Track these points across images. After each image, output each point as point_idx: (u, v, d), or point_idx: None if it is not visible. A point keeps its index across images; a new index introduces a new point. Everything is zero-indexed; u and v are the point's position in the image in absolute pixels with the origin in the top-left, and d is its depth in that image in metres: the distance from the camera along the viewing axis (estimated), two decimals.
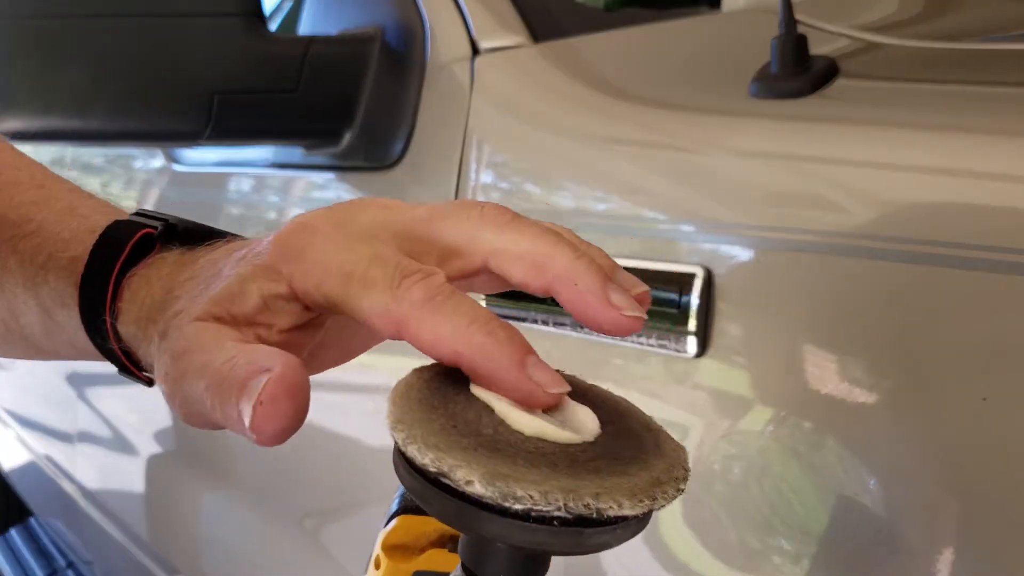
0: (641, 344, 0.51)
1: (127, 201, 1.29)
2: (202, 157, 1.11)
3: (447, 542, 0.44)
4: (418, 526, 0.44)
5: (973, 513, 0.37)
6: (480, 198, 0.67)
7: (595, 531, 0.24)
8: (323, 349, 0.34)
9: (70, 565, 1.64)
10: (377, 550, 0.44)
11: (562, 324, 0.56)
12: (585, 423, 0.27)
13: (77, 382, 1.47)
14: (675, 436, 0.29)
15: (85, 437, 1.46)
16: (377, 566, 0.44)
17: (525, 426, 0.26)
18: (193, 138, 0.76)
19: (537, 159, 0.64)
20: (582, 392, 0.30)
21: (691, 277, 0.49)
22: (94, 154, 1.46)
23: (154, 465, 1.25)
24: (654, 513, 0.26)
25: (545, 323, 0.58)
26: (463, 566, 0.28)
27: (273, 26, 1.11)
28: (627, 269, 0.54)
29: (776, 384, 0.46)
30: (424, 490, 0.25)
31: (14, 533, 1.88)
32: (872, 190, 0.43)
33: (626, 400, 0.30)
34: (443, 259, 0.30)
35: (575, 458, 0.26)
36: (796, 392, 0.44)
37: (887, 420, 0.40)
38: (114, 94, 0.74)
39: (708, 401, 0.49)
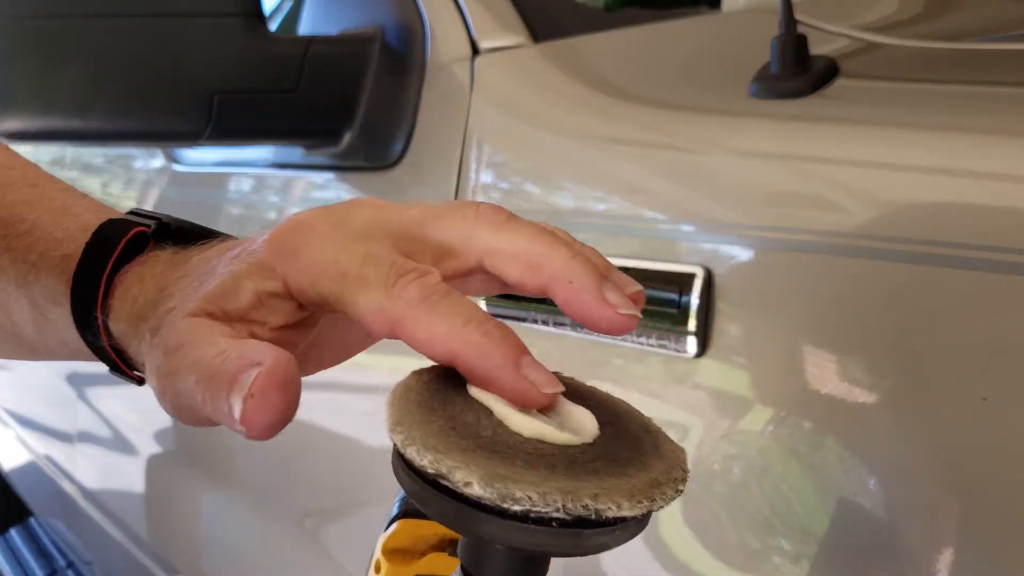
0: (641, 344, 0.51)
1: (127, 201, 1.29)
2: (202, 157, 1.11)
3: (447, 546, 0.44)
4: (418, 530, 0.44)
5: (973, 513, 0.37)
6: (480, 198, 0.67)
7: (594, 532, 0.24)
8: (318, 348, 0.34)
9: (70, 565, 1.64)
10: (377, 554, 0.44)
11: (562, 324, 0.56)
12: (584, 424, 0.27)
13: (77, 382, 1.47)
14: (675, 436, 0.29)
15: (85, 437, 1.47)
16: (377, 570, 0.44)
17: (524, 428, 0.26)
18: (193, 138, 0.76)
19: (537, 159, 0.64)
20: (580, 394, 0.30)
21: (691, 277, 0.49)
22: (94, 154, 1.46)
23: (154, 465, 1.25)
24: (653, 514, 0.26)
25: (545, 323, 0.58)
26: (462, 568, 0.28)
27: (273, 26, 1.11)
28: (627, 269, 0.54)
29: (776, 384, 0.46)
30: (423, 492, 0.25)
31: (14, 533, 1.88)
32: (872, 190, 0.43)
33: (624, 402, 0.30)
34: (438, 259, 0.30)
35: (574, 459, 0.25)
36: (796, 392, 0.44)
37: (887, 420, 0.40)
38: (114, 94, 0.74)
39: (708, 401, 0.49)
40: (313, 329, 0.32)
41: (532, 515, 0.24)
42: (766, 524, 0.44)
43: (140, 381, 0.35)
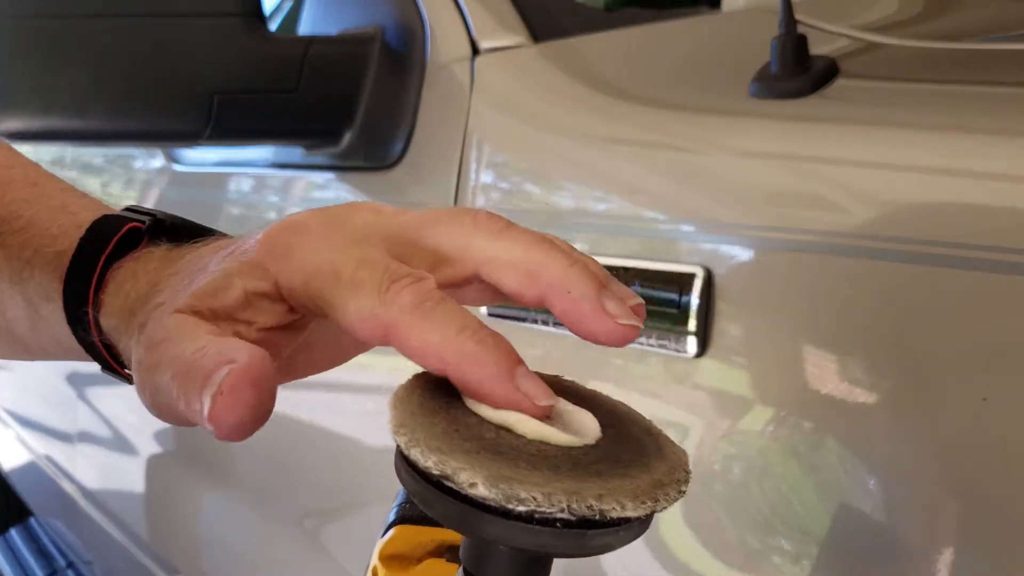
0: (641, 344, 0.52)
1: (127, 201, 1.29)
2: (202, 157, 1.11)
3: (444, 552, 0.44)
4: (415, 536, 0.44)
5: (973, 513, 0.37)
6: (480, 198, 0.67)
7: (598, 533, 0.24)
8: (309, 350, 0.34)
9: (70, 565, 1.64)
10: (374, 560, 0.44)
11: (562, 324, 0.56)
12: (586, 427, 0.27)
13: (77, 382, 1.48)
14: (675, 436, 0.29)
15: (85, 437, 1.47)
16: None
17: (527, 430, 0.26)
18: (193, 138, 0.76)
19: (537, 159, 0.64)
20: (582, 396, 0.30)
21: (691, 277, 0.49)
22: (94, 154, 1.46)
23: (154, 465, 1.25)
24: (655, 514, 0.26)
25: (545, 323, 0.58)
26: (464, 570, 0.28)
27: (273, 26, 1.11)
28: (627, 269, 0.54)
29: (776, 384, 0.46)
30: (427, 493, 0.25)
31: (14, 533, 1.88)
32: (872, 190, 0.43)
33: (626, 405, 0.30)
34: (434, 266, 0.29)
35: (577, 461, 0.26)
36: (796, 392, 0.44)
37: (887, 420, 0.40)
38: (114, 94, 0.74)
39: (708, 401, 0.49)
40: (302, 333, 0.31)
41: (536, 516, 0.24)
42: (766, 524, 0.44)
43: (131, 379, 0.35)
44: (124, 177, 1.35)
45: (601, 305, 0.28)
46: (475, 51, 0.73)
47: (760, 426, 0.45)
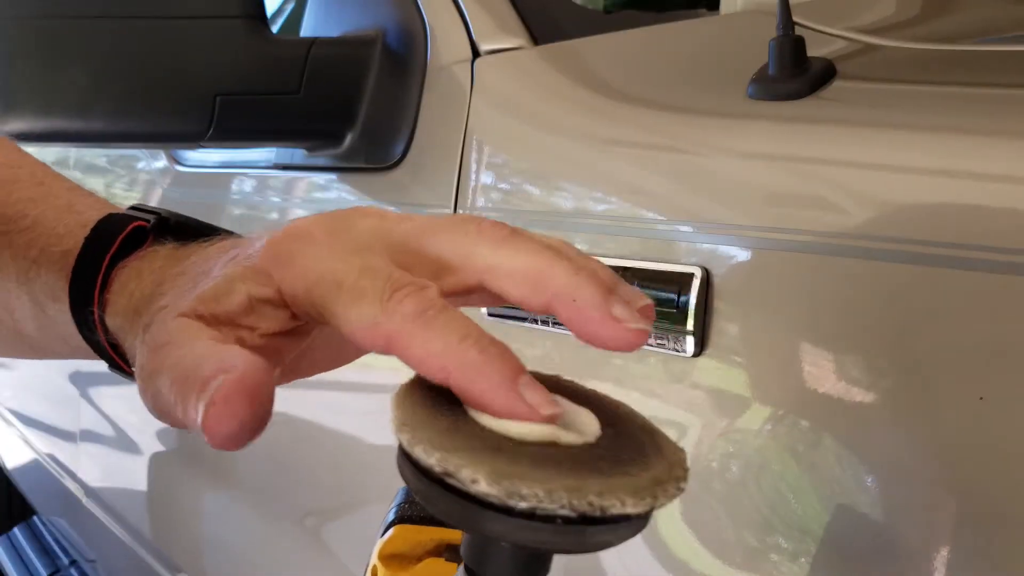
0: None
1: (131, 202, 1.29)
2: (204, 158, 1.12)
3: (444, 551, 0.44)
4: (415, 535, 0.44)
5: (971, 512, 0.37)
6: (480, 199, 0.67)
7: (598, 529, 0.25)
8: (313, 352, 0.34)
9: (73, 563, 1.65)
10: (374, 560, 0.45)
11: (562, 324, 0.57)
12: (587, 425, 0.28)
13: (80, 381, 1.48)
14: (673, 435, 0.29)
15: (88, 436, 1.47)
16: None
17: (527, 432, 0.26)
18: (195, 139, 0.76)
19: (537, 160, 0.64)
20: (582, 396, 0.30)
21: (690, 277, 0.49)
22: (97, 155, 1.46)
23: (157, 464, 1.25)
24: (653, 513, 0.26)
25: (545, 323, 0.58)
26: (466, 567, 0.28)
27: (275, 28, 1.11)
28: (626, 269, 0.54)
29: (774, 383, 0.46)
30: (429, 490, 0.25)
31: (17, 531, 1.89)
32: (870, 191, 0.43)
33: (625, 404, 0.31)
34: (437, 274, 0.29)
35: (578, 458, 0.26)
36: (794, 391, 0.44)
37: (886, 419, 0.41)
38: (116, 95, 0.74)
39: (706, 400, 0.49)
40: (305, 338, 0.31)
41: (538, 512, 0.24)
42: (764, 523, 0.45)
43: None
44: (127, 178, 1.36)
45: (609, 312, 0.27)
46: (475, 53, 0.73)
47: (758, 425, 0.46)
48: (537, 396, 0.26)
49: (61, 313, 0.36)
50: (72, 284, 0.35)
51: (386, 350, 0.27)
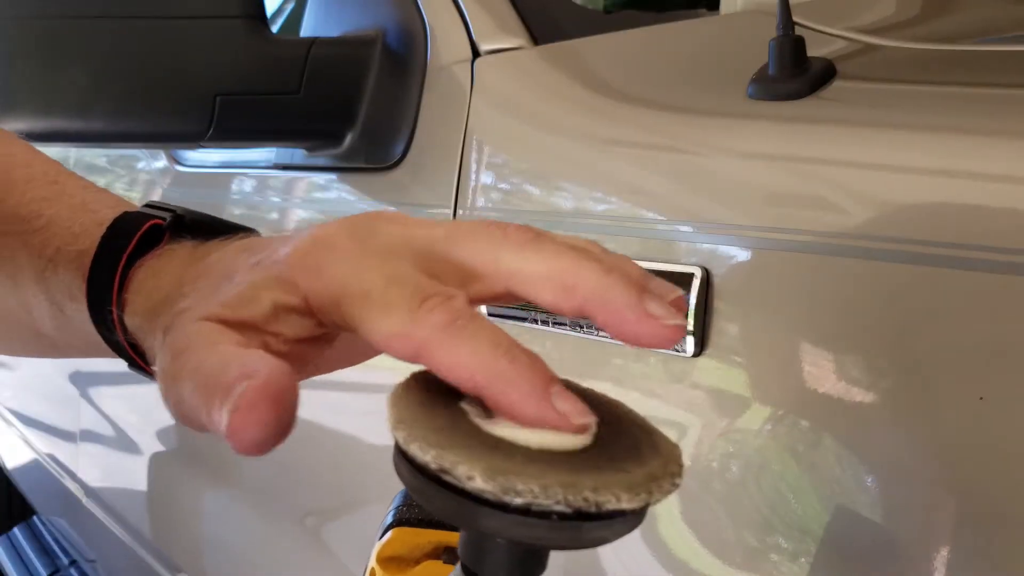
0: None
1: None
2: (204, 158, 1.12)
3: (441, 554, 0.44)
4: (413, 538, 0.44)
5: (971, 512, 0.37)
6: (480, 198, 0.68)
7: (594, 525, 0.25)
8: (329, 351, 0.33)
9: (73, 563, 1.65)
10: (372, 562, 0.45)
11: (561, 324, 0.57)
12: None
13: (80, 381, 1.48)
14: (673, 435, 0.29)
15: (88, 436, 1.47)
16: None
17: (524, 436, 0.26)
18: (195, 139, 0.76)
19: (537, 160, 0.64)
20: (578, 394, 0.30)
21: (690, 277, 0.49)
22: (97, 155, 1.46)
23: (157, 464, 1.25)
24: (652, 511, 0.26)
25: (545, 323, 0.58)
26: (462, 565, 0.28)
27: (275, 28, 1.11)
28: None
29: (774, 383, 0.46)
30: (425, 488, 0.25)
31: (17, 531, 1.89)
32: (870, 191, 0.43)
33: (622, 403, 0.31)
34: (463, 281, 0.29)
35: (573, 455, 0.26)
36: (794, 391, 0.44)
37: (885, 419, 0.41)
38: (116, 95, 0.74)
39: (706, 400, 0.49)
40: (330, 344, 0.31)
41: (534, 508, 0.24)
42: (764, 522, 0.45)
43: None
44: (127, 178, 1.36)
45: (644, 310, 0.27)
46: (475, 53, 0.73)
47: (758, 425, 0.46)
48: (568, 405, 0.26)
49: (79, 312, 0.35)
50: (89, 284, 0.35)
51: (415, 359, 0.27)
